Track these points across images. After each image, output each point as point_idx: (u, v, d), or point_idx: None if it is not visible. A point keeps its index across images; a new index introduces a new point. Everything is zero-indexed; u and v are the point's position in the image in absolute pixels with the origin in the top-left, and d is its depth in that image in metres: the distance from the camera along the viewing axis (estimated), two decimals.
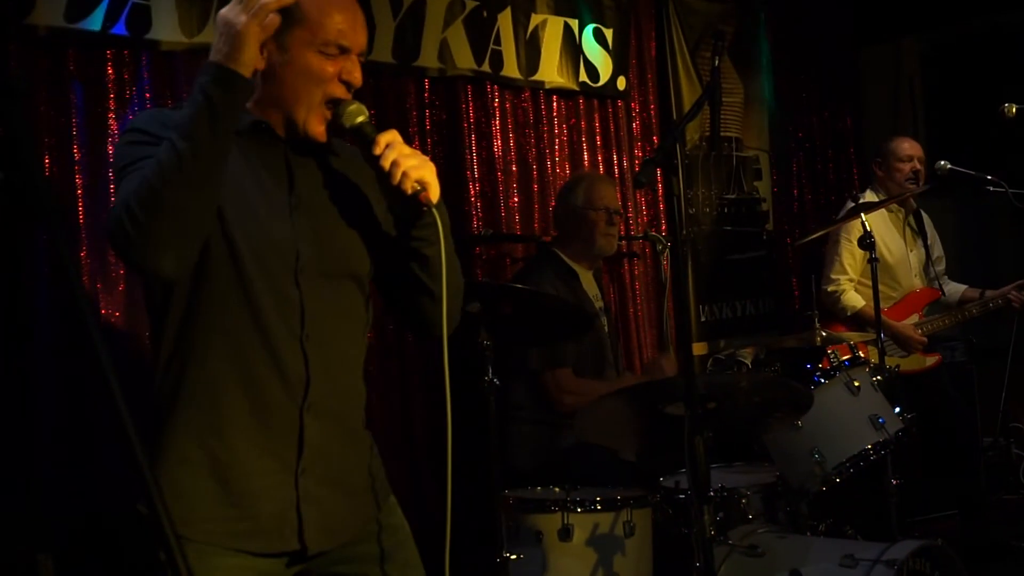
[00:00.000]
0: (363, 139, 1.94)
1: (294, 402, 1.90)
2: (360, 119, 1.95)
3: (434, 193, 1.92)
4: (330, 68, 1.92)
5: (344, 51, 1.94)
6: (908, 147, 4.69)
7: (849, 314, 4.58)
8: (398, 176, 1.89)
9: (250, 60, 1.81)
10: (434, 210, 1.93)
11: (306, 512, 1.91)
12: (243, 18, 1.80)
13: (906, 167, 4.63)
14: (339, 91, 1.94)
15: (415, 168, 1.90)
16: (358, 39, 1.97)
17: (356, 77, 1.95)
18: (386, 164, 1.90)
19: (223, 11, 1.84)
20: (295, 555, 1.92)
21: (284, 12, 1.86)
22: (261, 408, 1.88)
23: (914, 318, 4.61)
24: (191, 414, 1.87)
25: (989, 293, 4.64)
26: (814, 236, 4.57)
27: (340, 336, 1.98)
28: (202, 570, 1.75)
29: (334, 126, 1.97)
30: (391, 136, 1.92)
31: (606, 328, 4.01)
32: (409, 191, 1.89)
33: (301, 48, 1.91)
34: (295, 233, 1.93)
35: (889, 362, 3.92)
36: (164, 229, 1.73)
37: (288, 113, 1.94)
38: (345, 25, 1.94)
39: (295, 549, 1.91)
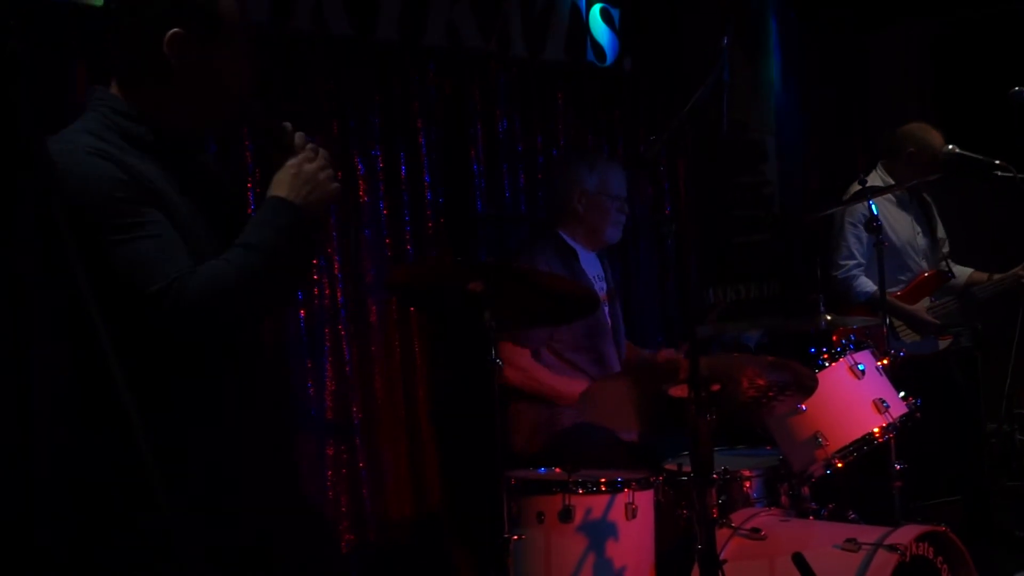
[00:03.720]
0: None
1: None
2: None
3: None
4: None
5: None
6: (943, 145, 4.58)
7: (864, 300, 4.53)
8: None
9: None
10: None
11: None
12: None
13: (937, 162, 4.53)
14: None
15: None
16: None
17: None
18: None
19: (314, 167, 2.01)
20: None
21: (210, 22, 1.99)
22: None
23: (925, 302, 4.57)
24: None
25: (997, 276, 4.59)
26: (825, 213, 4.52)
27: None
28: None
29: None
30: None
31: (607, 311, 3.94)
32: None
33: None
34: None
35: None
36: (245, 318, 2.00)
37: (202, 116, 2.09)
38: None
39: None
